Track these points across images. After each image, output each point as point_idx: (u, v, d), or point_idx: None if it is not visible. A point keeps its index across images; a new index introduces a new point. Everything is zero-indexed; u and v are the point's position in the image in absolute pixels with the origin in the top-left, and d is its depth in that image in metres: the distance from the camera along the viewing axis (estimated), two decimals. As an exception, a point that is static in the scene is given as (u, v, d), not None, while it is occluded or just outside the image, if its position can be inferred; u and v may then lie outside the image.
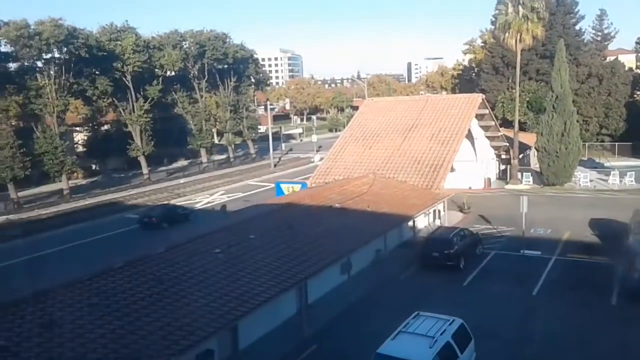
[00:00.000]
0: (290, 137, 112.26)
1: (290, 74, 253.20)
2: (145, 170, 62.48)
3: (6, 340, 13.21)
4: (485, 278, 25.70)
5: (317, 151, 79.14)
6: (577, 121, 47.32)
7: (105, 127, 76.75)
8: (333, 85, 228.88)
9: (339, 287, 23.31)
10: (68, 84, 53.22)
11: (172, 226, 37.90)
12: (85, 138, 76.47)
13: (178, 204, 47.44)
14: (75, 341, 13.45)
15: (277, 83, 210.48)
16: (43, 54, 51.39)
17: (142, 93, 62.37)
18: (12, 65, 52.63)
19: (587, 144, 59.04)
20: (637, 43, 68.29)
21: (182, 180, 61.54)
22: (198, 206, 47.77)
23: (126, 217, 43.53)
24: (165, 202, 48.10)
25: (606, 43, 77.35)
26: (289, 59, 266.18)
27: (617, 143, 61.93)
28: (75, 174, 59.77)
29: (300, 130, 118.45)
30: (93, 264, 19.24)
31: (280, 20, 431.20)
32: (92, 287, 16.59)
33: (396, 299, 22.80)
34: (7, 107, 49.98)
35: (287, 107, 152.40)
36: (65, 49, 52.11)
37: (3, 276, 28.38)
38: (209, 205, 47.94)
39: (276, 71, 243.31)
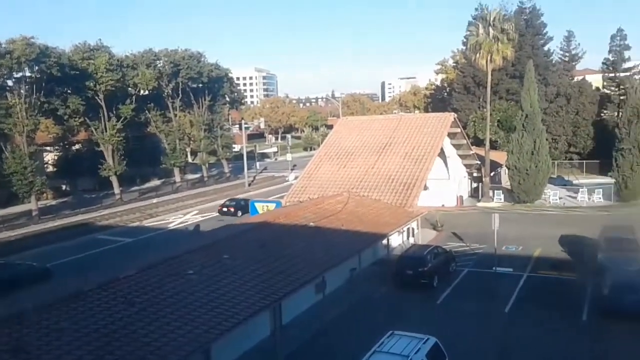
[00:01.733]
0: (265, 156, 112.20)
1: (265, 93, 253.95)
2: (117, 190, 61.60)
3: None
4: (458, 296, 25.87)
5: (292, 170, 79.15)
6: (547, 139, 48.34)
7: (77, 146, 75.59)
8: (308, 104, 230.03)
9: (314, 306, 23.25)
10: (39, 103, 52.40)
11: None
12: (56, 158, 75.11)
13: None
14: (42, 367, 13.12)
15: (252, 102, 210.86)
16: (14, 73, 50.58)
17: (114, 112, 61.72)
18: (-19, 84, 51.72)
19: (556, 162, 60.22)
20: (603, 63, 70.29)
21: (154, 200, 60.79)
22: (171, 226, 47.25)
23: (97, 239, 42.79)
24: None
25: (574, 63, 79.37)
26: (264, 78, 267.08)
27: (585, 161, 63.29)
28: (44, 194, 58.57)
29: (275, 149, 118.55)
30: (62, 287, 18.85)
31: (255, 40, 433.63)
32: (62, 310, 16.24)
33: (371, 317, 22.79)
34: (-26, 126, 49.00)
35: (262, 126, 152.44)
36: (36, 67, 51.40)
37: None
38: (182, 225, 47.44)
39: (251, 90, 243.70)
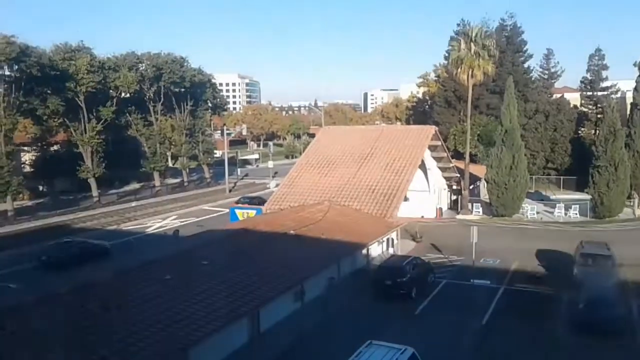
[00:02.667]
0: (246, 162, 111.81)
1: (248, 99, 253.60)
2: (95, 192, 60.83)
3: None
4: (436, 307, 26.02)
5: (273, 177, 79.03)
6: (525, 155, 48.98)
7: (55, 147, 74.47)
8: (290, 112, 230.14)
9: (292, 315, 23.20)
10: (18, 102, 51.68)
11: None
12: (34, 158, 73.88)
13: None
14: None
15: (235, 108, 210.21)
16: (-7, 71, 49.93)
17: (95, 114, 61.09)
18: (-41, 82, 50.85)
19: (534, 177, 61.01)
20: (581, 82, 71.65)
21: (133, 204, 60.18)
22: (149, 230, 46.77)
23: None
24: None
25: (553, 81, 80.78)
26: (247, 84, 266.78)
27: (562, 177, 64.18)
28: (21, 194, 57.60)
29: (256, 156, 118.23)
30: (39, 289, 18.57)
31: (239, 46, 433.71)
32: (37, 312, 15.98)
33: (349, 327, 22.75)
34: (-49, 124, 48.12)
35: (244, 132, 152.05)
36: (16, 66, 50.76)
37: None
38: (161, 229, 46.98)
39: (234, 96, 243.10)
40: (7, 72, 51.14)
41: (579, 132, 68.30)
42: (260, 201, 52.20)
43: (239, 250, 24.69)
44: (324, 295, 25.42)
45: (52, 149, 74.45)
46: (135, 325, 16.07)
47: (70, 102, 58.32)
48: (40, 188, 67.92)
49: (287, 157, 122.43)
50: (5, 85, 50.55)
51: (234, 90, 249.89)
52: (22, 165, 69.61)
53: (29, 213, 53.29)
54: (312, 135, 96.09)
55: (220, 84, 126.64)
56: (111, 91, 64.95)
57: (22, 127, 65.68)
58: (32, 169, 72.32)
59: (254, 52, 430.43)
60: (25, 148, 71.65)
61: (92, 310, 16.58)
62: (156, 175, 71.90)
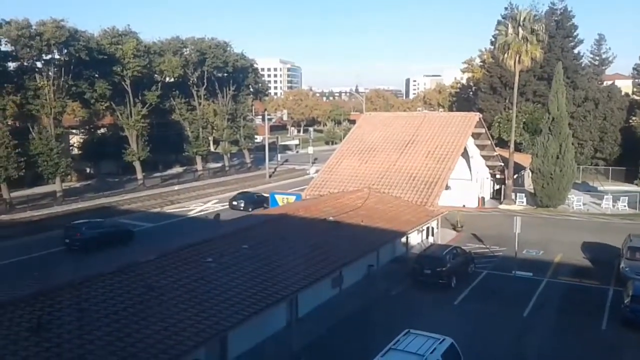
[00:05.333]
0: (286, 148, 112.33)
1: (289, 85, 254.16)
2: (139, 175, 62.23)
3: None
4: (476, 298, 25.66)
5: (313, 163, 79.13)
6: (572, 144, 47.60)
7: (102, 130, 76.55)
8: (331, 98, 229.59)
9: (330, 301, 23.27)
10: (67, 85, 53.08)
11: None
12: (81, 141, 76.17)
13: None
14: (62, 347, 13.33)
15: (276, 94, 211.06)
16: (43, 55, 51.19)
17: (140, 98, 62.25)
18: (12, 65, 52.41)
19: (581, 167, 59.35)
20: (634, 69, 68.95)
21: (176, 187, 61.32)
22: (191, 214, 47.61)
23: (119, 222, 43.22)
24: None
25: (604, 68, 78.06)
26: (289, 70, 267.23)
27: (611, 167, 62.22)
28: (69, 176, 59.39)
29: (296, 142, 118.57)
30: (88, 268, 19.13)
31: (281, 32, 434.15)
32: (82, 291, 16.49)
33: (387, 315, 22.72)
34: (4, 106, 49.73)
35: (285, 118, 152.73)
36: (65, 50, 52.02)
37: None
38: (202, 213, 47.76)
39: (275, 82, 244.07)
40: (56, 56, 52.49)
41: (630, 121, 65.84)
42: (259, 199, 48.36)
43: (278, 235, 24.85)
44: (363, 283, 25.41)
45: (99, 132, 76.61)
46: (177, 306, 16.38)
47: (116, 86, 59.61)
48: (87, 170, 69.96)
49: (327, 143, 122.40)
50: (55, 69, 51.94)
51: (275, 76, 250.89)
52: (70, 148, 71.85)
53: (77, 194, 54.94)
54: (353, 122, 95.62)
55: (262, 69, 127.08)
56: (156, 75, 66.01)
57: (71, 110, 67.71)
58: (79, 152, 74.59)
59: (296, 37, 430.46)
60: (74, 131, 73.94)
61: (134, 292, 16.99)
62: (198, 159, 72.98)
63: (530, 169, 48.55)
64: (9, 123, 52.70)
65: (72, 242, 34.21)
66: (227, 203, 49.50)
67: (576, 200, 46.67)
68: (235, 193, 52.74)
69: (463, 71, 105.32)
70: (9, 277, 26.32)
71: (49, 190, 54.54)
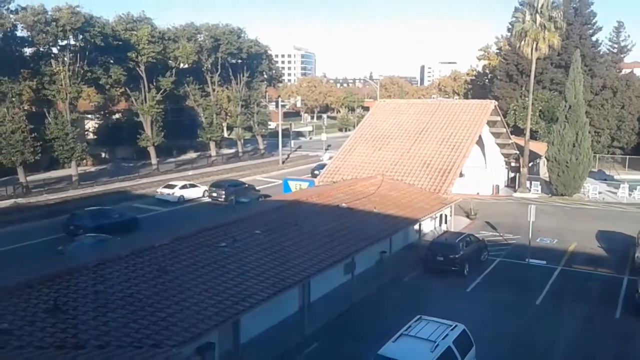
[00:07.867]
0: (299, 134, 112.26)
1: (303, 71, 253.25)
2: (154, 160, 62.65)
3: (10, 324, 13.31)
4: (489, 285, 25.63)
5: (326, 150, 79.08)
6: (589, 132, 47.05)
7: (116, 116, 77.06)
8: (345, 84, 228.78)
9: (342, 286, 23.37)
10: (82, 71, 53.33)
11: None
12: (96, 126, 76.79)
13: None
14: (77, 327, 13.53)
15: (290, 80, 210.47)
16: (59, 41, 51.42)
17: (154, 84, 62.45)
18: (28, 51, 52.79)
19: (597, 155, 58.69)
20: (653, 57, 67.94)
21: (190, 172, 61.66)
22: (204, 199, 47.83)
23: (133, 207, 43.64)
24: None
25: (622, 55, 76.79)
26: (302, 56, 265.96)
27: (628, 156, 61.50)
28: (84, 161, 59.89)
29: (310, 128, 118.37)
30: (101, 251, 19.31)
31: (295, 18, 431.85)
32: (98, 274, 16.70)
33: (399, 301, 22.80)
34: (20, 91, 50.13)
35: (298, 104, 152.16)
36: (81, 36, 52.21)
37: (12, 259, 28.50)
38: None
39: (289, 68, 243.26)
40: (72, 42, 52.75)
41: (649, 109, 64.83)
42: (243, 189, 44.83)
43: (291, 220, 24.91)
44: (375, 269, 25.46)
45: (113, 117, 77.15)
46: (190, 290, 16.54)
47: (131, 72, 59.85)
48: (102, 155, 70.53)
49: (340, 130, 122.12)
50: (71, 55, 52.19)
51: (289, 62, 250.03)
52: (86, 133, 72.40)
53: (92, 179, 55.47)
54: (367, 109, 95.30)
55: (276, 56, 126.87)
56: (170, 61, 66.11)
57: (86, 95, 68.02)
58: (95, 136, 75.28)
59: (310, 24, 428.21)
60: (89, 116, 74.48)
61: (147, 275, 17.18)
62: (212, 145, 73.24)
63: (545, 157, 48.11)
64: (25, 108, 53.13)
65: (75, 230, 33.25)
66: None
67: (592, 189, 46.22)
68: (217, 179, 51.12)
69: (479, 58, 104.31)
70: (27, 259, 26.72)
71: (65, 174, 55.11)
